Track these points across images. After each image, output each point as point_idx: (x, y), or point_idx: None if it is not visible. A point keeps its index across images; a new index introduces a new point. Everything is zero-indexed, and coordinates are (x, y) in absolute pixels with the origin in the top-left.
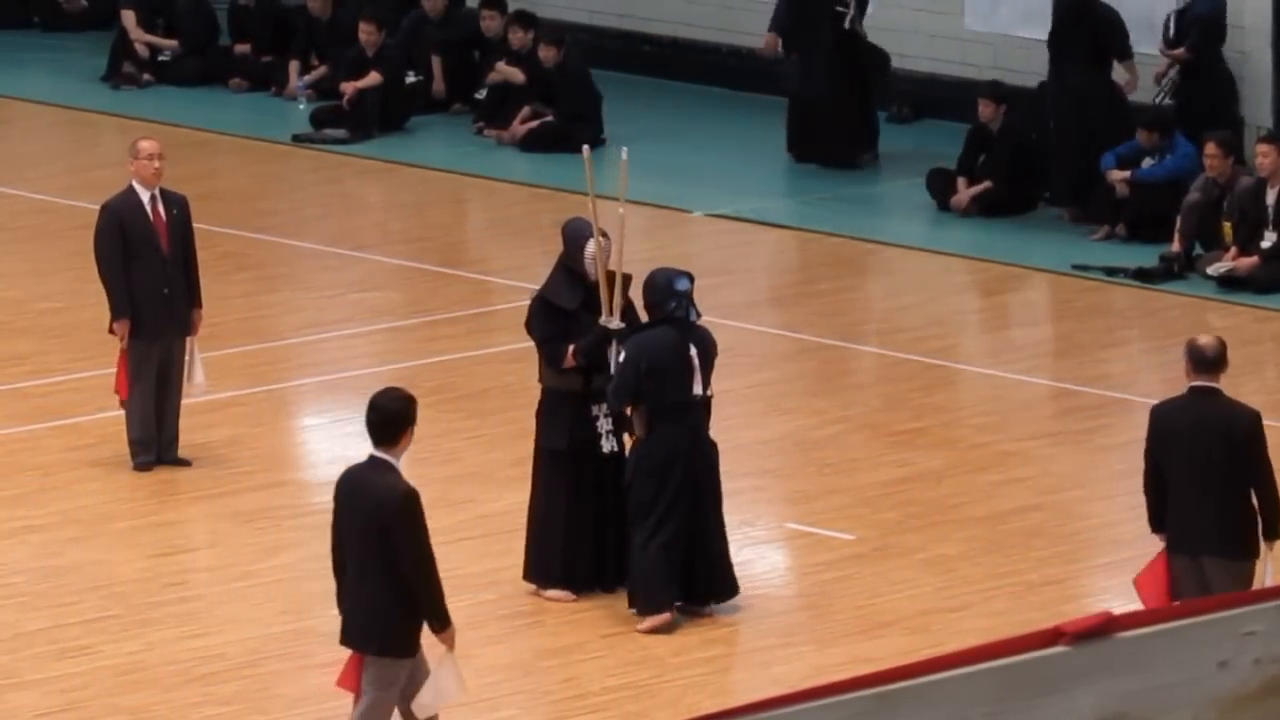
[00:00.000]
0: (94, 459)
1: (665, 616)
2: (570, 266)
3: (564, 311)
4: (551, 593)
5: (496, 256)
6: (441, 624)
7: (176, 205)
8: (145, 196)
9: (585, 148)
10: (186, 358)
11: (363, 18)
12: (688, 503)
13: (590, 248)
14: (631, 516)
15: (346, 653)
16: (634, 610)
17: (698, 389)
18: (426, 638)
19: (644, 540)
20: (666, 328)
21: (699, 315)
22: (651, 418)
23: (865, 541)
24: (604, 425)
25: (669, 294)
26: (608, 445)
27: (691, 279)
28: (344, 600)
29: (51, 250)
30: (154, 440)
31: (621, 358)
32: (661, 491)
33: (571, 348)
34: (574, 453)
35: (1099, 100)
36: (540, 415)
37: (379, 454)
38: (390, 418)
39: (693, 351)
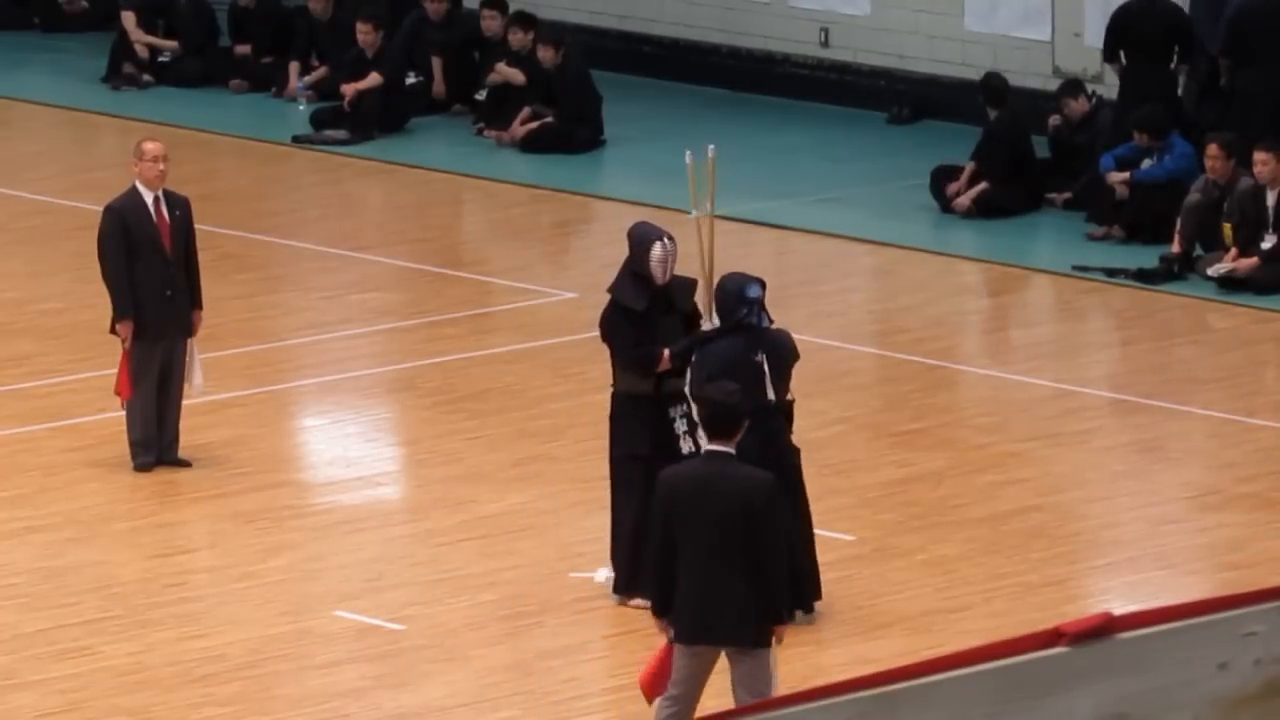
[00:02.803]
0: (94, 460)
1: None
2: (636, 270)
3: (636, 313)
4: (635, 601)
5: (496, 257)
6: (785, 615)
7: (179, 206)
8: (149, 198)
9: (688, 154)
10: (187, 359)
11: (359, 18)
12: None
13: (657, 251)
14: None
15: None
16: None
17: (770, 395)
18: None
19: None
20: (733, 337)
21: (771, 321)
22: None
23: (865, 542)
24: (680, 426)
25: (740, 300)
26: (686, 446)
27: (763, 285)
28: (697, 599)
29: (51, 251)
30: (155, 441)
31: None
32: None
33: (666, 351)
34: (655, 456)
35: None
36: (615, 420)
37: (719, 447)
38: (731, 412)
39: (761, 358)
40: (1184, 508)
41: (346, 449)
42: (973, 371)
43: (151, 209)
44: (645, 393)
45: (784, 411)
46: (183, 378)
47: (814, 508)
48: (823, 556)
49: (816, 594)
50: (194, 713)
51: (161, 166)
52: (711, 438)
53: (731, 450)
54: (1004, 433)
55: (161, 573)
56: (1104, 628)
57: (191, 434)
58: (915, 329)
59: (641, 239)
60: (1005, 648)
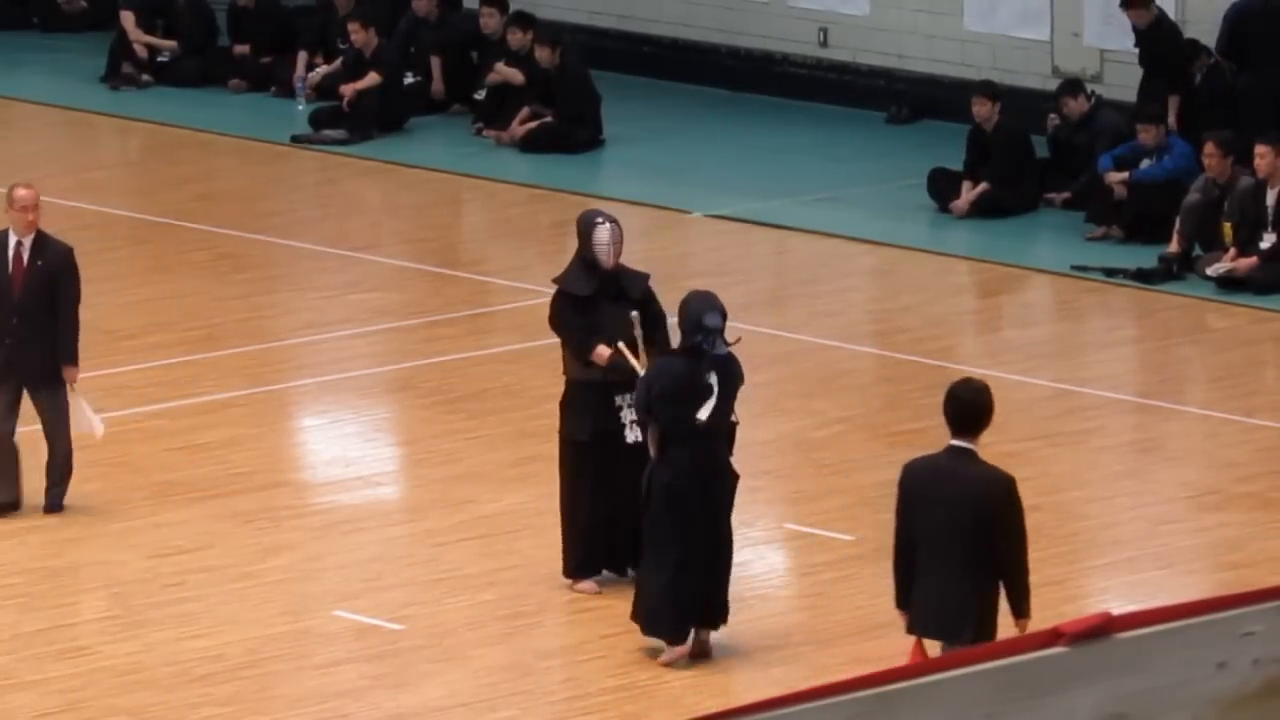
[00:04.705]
0: (92, 459)
1: (681, 649)
2: (585, 257)
3: (580, 299)
4: (581, 585)
5: (495, 257)
6: (1028, 610)
7: (47, 256)
8: (12, 242)
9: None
10: (73, 411)
11: (349, 18)
12: (701, 530)
13: (601, 234)
14: (645, 539)
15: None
16: (650, 634)
17: (704, 414)
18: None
19: (654, 564)
20: (687, 358)
21: (728, 347)
22: (664, 442)
23: (865, 542)
24: (628, 416)
25: (697, 328)
26: (631, 436)
27: (724, 315)
28: (921, 592)
29: None
30: (12, 477)
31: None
32: (671, 516)
33: (608, 353)
34: (597, 444)
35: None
36: (564, 407)
37: (962, 443)
38: (981, 409)
39: (712, 379)
40: (1183, 507)
41: (345, 449)
42: (972, 371)
43: (10, 253)
44: (594, 380)
45: (727, 435)
46: (53, 429)
47: (813, 507)
48: (822, 556)
49: (723, 618)
50: (193, 712)
51: (30, 217)
52: (955, 433)
53: (974, 447)
54: (1003, 432)
55: (160, 572)
56: (1103, 627)
57: (191, 434)
58: (914, 329)
59: (587, 223)
60: (1004, 648)
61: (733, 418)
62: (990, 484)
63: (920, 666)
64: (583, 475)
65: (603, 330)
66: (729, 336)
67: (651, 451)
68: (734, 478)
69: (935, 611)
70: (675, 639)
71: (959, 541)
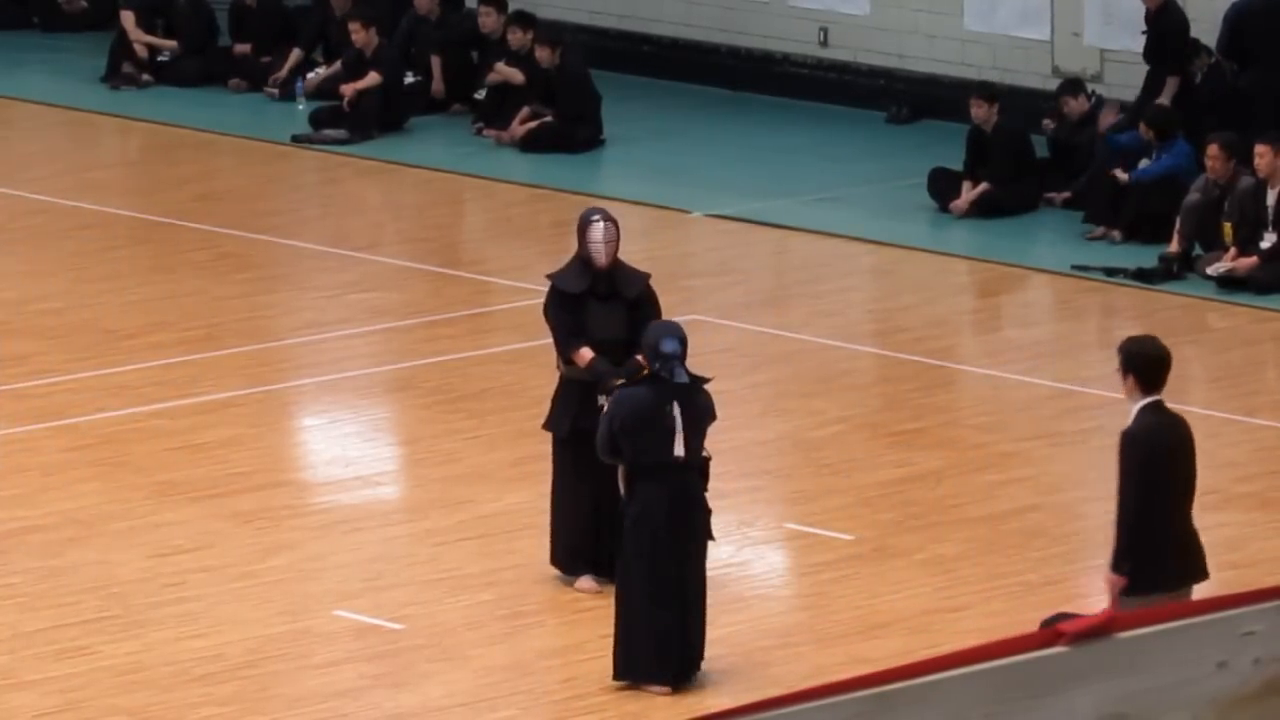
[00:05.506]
0: (93, 459)
1: (662, 689)
2: (582, 255)
3: (570, 296)
4: (581, 584)
5: (496, 257)
6: None
7: None
8: None
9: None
10: None
11: (349, 17)
12: (674, 566)
13: (595, 232)
14: (619, 574)
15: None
16: (620, 679)
17: (679, 450)
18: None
19: (627, 600)
20: (647, 388)
21: (691, 377)
22: (631, 477)
23: (864, 542)
24: None
25: (654, 354)
26: None
27: (683, 341)
28: (1171, 544)
29: (50, 251)
30: None
31: (604, 409)
32: (643, 553)
33: (589, 356)
34: (575, 442)
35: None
36: (552, 401)
37: (1159, 397)
38: (1169, 361)
39: (675, 412)
40: None
41: (345, 449)
42: (972, 371)
43: None
44: (582, 378)
45: (699, 468)
46: None
47: (812, 507)
48: (822, 556)
49: (696, 664)
50: (192, 712)
51: None
52: (1150, 389)
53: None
54: (1003, 432)
55: (160, 572)
56: (1103, 627)
57: (191, 434)
58: (914, 328)
59: (583, 221)
60: (1004, 647)
61: (705, 453)
62: (1189, 426)
63: (920, 666)
64: (564, 472)
65: (588, 329)
66: (702, 374)
67: (621, 488)
68: (707, 513)
69: (1193, 558)
70: (658, 680)
71: (1193, 486)
